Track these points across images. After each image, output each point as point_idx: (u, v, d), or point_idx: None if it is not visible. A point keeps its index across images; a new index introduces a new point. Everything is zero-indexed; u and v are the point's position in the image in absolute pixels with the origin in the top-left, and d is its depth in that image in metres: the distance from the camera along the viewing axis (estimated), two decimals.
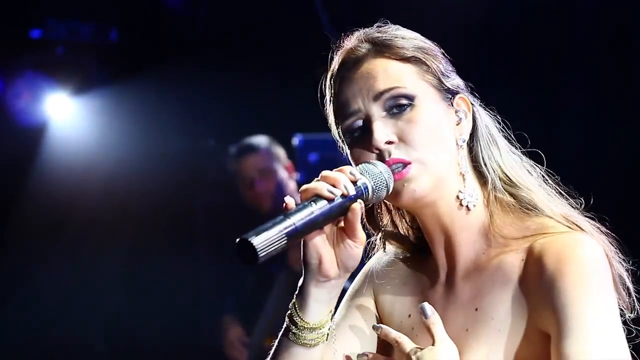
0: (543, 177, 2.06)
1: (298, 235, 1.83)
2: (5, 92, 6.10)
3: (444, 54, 2.06)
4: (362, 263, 2.00)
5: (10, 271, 6.12)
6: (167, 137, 6.49)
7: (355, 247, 1.91)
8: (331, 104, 2.05)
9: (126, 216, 6.29)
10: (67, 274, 6.14)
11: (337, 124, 2.04)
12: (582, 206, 2.05)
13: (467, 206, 1.99)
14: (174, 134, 6.34)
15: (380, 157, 1.95)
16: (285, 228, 1.80)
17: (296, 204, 1.85)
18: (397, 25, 2.06)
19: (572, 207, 2.04)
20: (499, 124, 2.09)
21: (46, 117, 6.22)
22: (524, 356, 1.90)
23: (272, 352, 2.02)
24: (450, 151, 1.99)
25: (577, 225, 1.96)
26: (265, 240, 1.77)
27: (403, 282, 2.13)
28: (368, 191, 1.89)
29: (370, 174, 1.91)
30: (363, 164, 1.93)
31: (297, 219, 1.81)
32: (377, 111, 1.96)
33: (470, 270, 2.00)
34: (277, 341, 2.01)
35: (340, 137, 2.05)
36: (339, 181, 1.86)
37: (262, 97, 5.93)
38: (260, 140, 5.46)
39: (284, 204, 1.85)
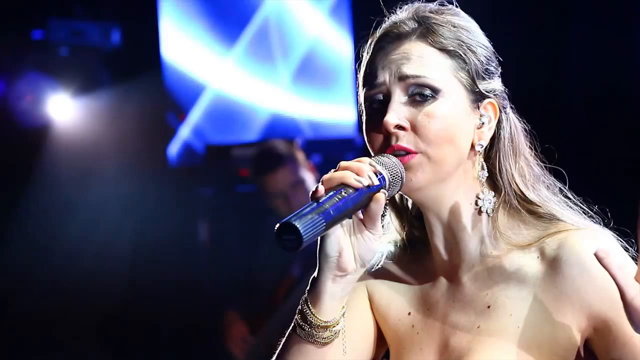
0: (564, 191, 2.01)
1: (333, 222, 1.77)
2: (7, 93, 6.09)
3: (493, 53, 2.00)
4: None
5: (10, 269, 6.11)
6: (169, 138, 6.50)
7: (374, 240, 1.86)
8: (362, 68, 1.99)
9: (129, 217, 6.30)
10: (67, 276, 6.13)
11: (362, 89, 1.99)
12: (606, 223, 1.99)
13: (482, 210, 1.95)
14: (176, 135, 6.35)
15: (388, 141, 1.91)
16: (322, 213, 1.74)
17: (325, 192, 1.79)
18: (458, 10, 2.00)
19: (595, 222, 1.98)
20: (528, 133, 2.03)
21: (48, 119, 6.20)
22: (547, 348, 1.87)
23: (280, 349, 1.95)
24: (462, 154, 1.93)
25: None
26: (307, 224, 1.71)
27: (399, 280, 2.08)
28: (386, 182, 1.85)
29: (386, 166, 1.86)
30: (377, 156, 1.88)
31: (330, 205, 1.76)
32: (398, 93, 1.91)
33: (477, 268, 1.96)
34: (285, 338, 1.95)
35: (361, 102, 2.00)
36: (363, 171, 1.81)
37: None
38: (281, 148, 5.00)
39: (314, 190, 1.79)
